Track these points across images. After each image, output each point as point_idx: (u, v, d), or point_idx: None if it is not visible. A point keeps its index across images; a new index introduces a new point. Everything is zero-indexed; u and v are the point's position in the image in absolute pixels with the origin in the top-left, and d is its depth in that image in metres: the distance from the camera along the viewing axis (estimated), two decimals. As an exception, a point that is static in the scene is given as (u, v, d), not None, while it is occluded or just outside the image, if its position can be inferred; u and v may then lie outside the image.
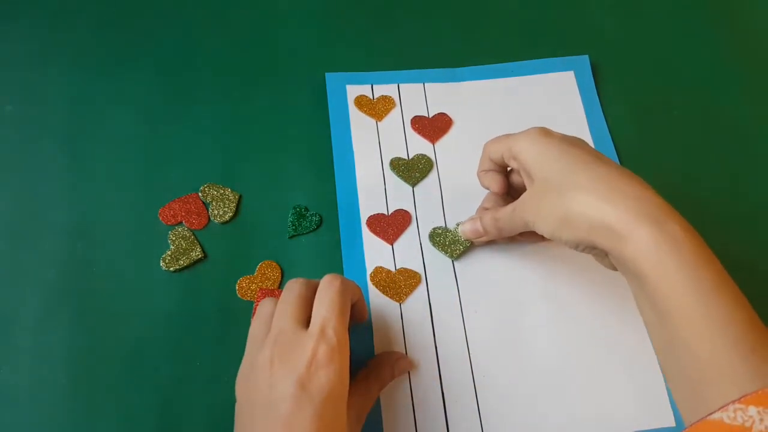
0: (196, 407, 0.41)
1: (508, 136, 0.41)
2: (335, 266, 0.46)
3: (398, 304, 0.45)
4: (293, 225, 0.48)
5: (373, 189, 0.50)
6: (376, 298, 0.45)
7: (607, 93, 0.55)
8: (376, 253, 0.47)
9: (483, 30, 0.59)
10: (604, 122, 0.53)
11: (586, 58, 0.56)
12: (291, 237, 0.47)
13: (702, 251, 0.31)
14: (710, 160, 0.53)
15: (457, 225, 0.46)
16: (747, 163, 0.53)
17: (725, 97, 0.56)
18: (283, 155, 0.51)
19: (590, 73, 0.56)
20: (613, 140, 0.53)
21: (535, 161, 0.37)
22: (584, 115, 0.54)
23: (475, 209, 0.49)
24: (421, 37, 0.58)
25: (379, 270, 0.46)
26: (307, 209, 0.48)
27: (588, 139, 0.53)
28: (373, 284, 0.46)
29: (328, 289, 0.36)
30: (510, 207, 0.40)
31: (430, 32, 0.58)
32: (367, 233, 0.48)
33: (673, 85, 0.57)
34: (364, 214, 0.48)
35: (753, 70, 0.58)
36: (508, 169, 0.44)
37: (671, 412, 0.42)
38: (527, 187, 0.39)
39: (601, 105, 0.54)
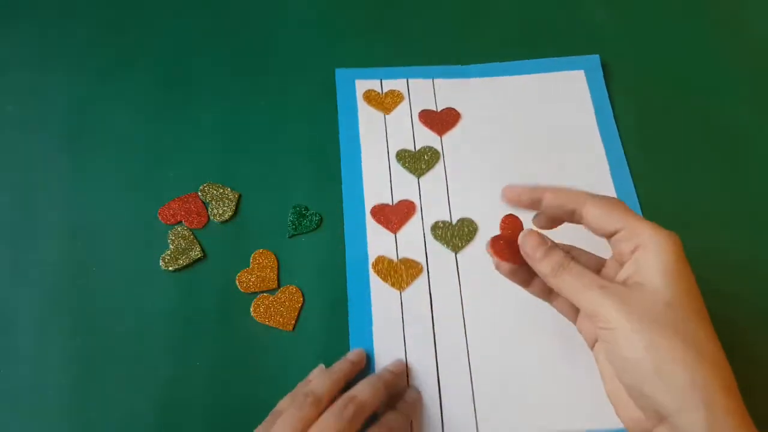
0: (195, 407, 0.41)
1: (632, 214, 0.32)
2: (335, 265, 0.46)
3: (398, 292, 0.45)
4: (293, 224, 0.47)
5: (378, 179, 0.50)
6: (376, 285, 0.45)
7: (617, 94, 0.55)
8: (379, 242, 0.47)
9: (493, 28, 0.58)
10: (614, 123, 0.53)
11: (597, 57, 0.56)
12: (291, 236, 0.47)
13: None
14: (718, 160, 0.52)
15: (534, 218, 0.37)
16: (755, 165, 0.52)
17: (734, 96, 0.56)
18: (283, 154, 0.51)
19: (601, 72, 0.55)
20: (621, 141, 0.52)
21: (669, 280, 0.30)
22: (593, 115, 0.53)
23: (481, 201, 0.49)
24: (430, 35, 0.58)
25: (380, 259, 0.46)
26: (307, 209, 0.48)
27: (597, 139, 0.52)
28: (375, 272, 0.46)
29: (333, 417, 0.35)
30: (597, 281, 0.32)
31: (439, 29, 0.58)
32: (371, 222, 0.48)
33: (683, 87, 0.56)
34: (369, 204, 0.49)
35: (760, 69, 0.57)
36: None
37: None
38: (624, 278, 0.32)
39: (612, 105, 0.54)
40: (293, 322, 0.44)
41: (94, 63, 0.54)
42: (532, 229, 0.35)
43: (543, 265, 0.33)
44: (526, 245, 0.34)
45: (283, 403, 0.38)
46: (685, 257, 0.31)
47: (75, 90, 0.53)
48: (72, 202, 0.48)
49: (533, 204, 0.35)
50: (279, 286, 0.45)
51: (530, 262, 0.34)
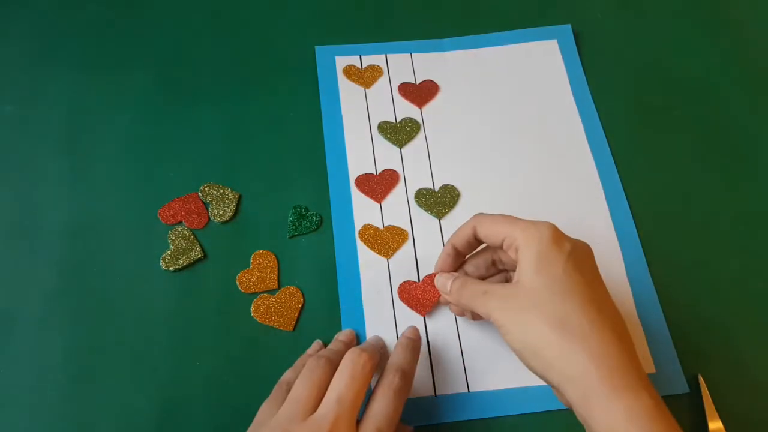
0: (195, 407, 0.41)
1: (512, 221, 0.36)
2: (335, 266, 0.46)
3: (386, 259, 0.46)
4: (293, 225, 0.47)
5: (361, 150, 0.51)
6: (364, 253, 0.46)
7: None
8: (364, 211, 0.48)
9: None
10: (587, 88, 0.55)
11: (568, 27, 0.58)
12: (291, 237, 0.47)
13: (669, 426, 0.30)
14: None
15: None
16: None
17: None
18: (284, 154, 0.51)
19: (573, 41, 0.57)
20: (596, 106, 0.54)
21: (535, 270, 0.34)
22: (568, 83, 0.55)
23: (462, 168, 0.50)
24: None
25: (367, 227, 0.47)
26: (307, 209, 0.48)
27: (572, 103, 0.54)
28: (362, 240, 0.47)
29: (346, 372, 0.35)
30: (482, 288, 0.36)
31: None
32: (355, 192, 0.49)
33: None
34: (353, 175, 0.50)
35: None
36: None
37: (651, 359, 0.43)
38: (514, 280, 0.35)
39: (585, 72, 0.56)
40: (293, 322, 0.44)
41: (93, 62, 0.55)
42: (440, 273, 0.41)
43: (452, 294, 0.39)
44: (438, 285, 0.41)
45: (289, 375, 0.39)
46: (560, 240, 0.34)
47: (75, 89, 0.53)
48: (72, 202, 0.48)
49: (458, 258, 0.41)
50: (279, 286, 0.45)
51: (446, 297, 0.41)
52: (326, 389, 0.34)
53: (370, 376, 0.35)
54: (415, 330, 0.43)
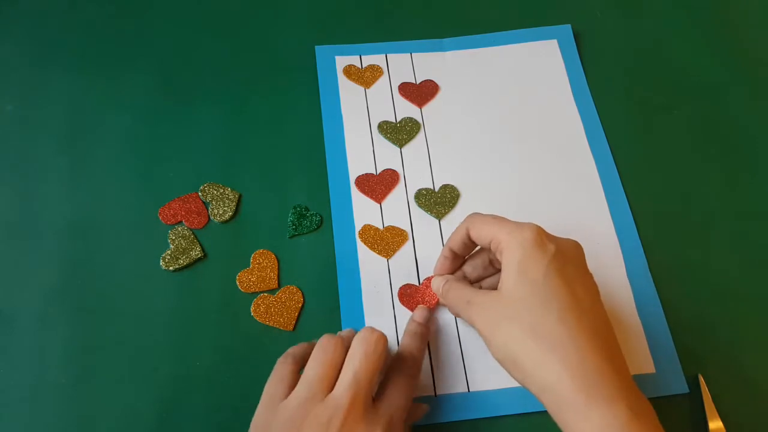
0: (195, 407, 0.41)
1: (500, 223, 0.36)
2: (335, 265, 0.46)
3: (386, 259, 0.46)
4: (293, 225, 0.47)
5: (361, 150, 0.51)
6: (364, 253, 0.46)
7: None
8: (364, 211, 0.48)
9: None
10: (587, 89, 0.55)
11: (568, 27, 0.58)
12: (291, 237, 0.47)
13: None
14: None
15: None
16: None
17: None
18: (284, 154, 0.51)
19: (573, 41, 0.57)
20: (596, 106, 0.54)
21: (516, 276, 0.33)
22: (568, 83, 0.55)
23: (462, 168, 0.50)
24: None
25: (367, 228, 0.47)
26: (307, 209, 0.48)
27: (572, 106, 0.54)
28: (362, 241, 0.47)
29: (360, 349, 0.34)
30: (466, 297, 0.36)
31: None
32: (356, 192, 0.49)
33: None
34: (353, 175, 0.50)
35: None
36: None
37: (651, 359, 0.43)
38: (498, 286, 0.35)
39: (585, 72, 0.56)
40: (293, 322, 0.44)
41: (93, 62, 0.55)
42: (436, 275, 0.42)
43: (444, 297, 0.40)
44: (434, 288, 0.42)
45: (294, 349, 0.38)
46: (543, 243, 0.34)
47: (75, 89, 0.53)
48: (72, 201, 0.48)
49: (457, 260, 0.41)
50: (279, 286, 0.45)
51: (440, 298, 0.41)
52: (340, 369, 0.34)
53: (383, 354, 0.35)
54: (423, 313, 0.42)
